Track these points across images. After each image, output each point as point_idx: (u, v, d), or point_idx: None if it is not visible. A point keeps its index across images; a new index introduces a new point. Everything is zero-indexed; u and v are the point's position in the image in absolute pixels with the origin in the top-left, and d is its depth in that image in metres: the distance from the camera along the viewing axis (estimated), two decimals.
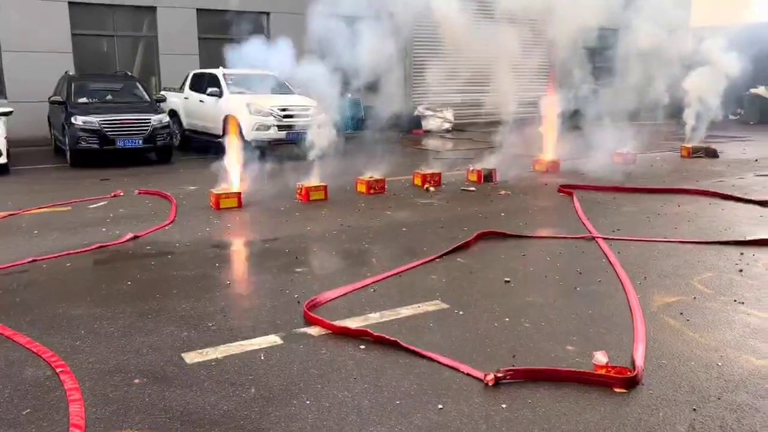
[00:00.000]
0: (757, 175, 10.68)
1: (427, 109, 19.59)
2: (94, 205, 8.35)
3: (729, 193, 8.76)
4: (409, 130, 18.45)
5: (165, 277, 5.33)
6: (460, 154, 13.79)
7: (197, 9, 16.14)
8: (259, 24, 16.06)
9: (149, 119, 11.86)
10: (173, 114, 14.03)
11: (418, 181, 9.80)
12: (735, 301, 4.65)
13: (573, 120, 13.17)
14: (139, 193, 9.13)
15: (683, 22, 21.67)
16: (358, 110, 16.05)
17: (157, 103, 13.02)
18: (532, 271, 5.51)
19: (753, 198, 8.44)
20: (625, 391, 3.28)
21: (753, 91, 22.02)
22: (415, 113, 19.40)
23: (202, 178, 10.02)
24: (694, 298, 4.73)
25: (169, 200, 8.36)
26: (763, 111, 21.93)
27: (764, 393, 3.28)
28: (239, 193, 8.18)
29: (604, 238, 6.39)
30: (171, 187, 9.35)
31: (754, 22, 18.17)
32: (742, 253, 5.86)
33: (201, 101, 13.26)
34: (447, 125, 19.32)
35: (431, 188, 9.53)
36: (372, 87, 10.69)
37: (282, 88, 13.12)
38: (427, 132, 18.89)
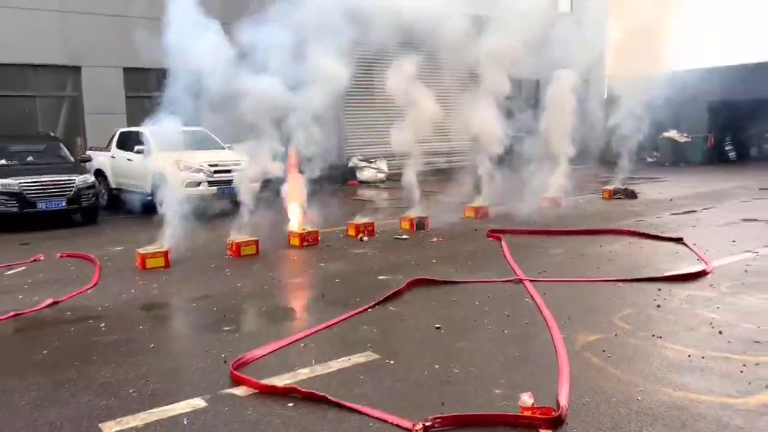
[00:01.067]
0: (673, 214, 11.27)
1: (362, 160, 19.87)
2: (12, 271, 7.97)
3: (647, 232, 9.20)
4: (343, 181, 18.61)
5: (85, 344, 5.10)
6: (394, 203, 13.96)
7: (124, 68, 16.00)
8: (188, 81, 15.97)
9: (73, 180, 11.53)
10: (100, 173, 13.70)
11: (351, 232, 9.84)
12: (653, 336, 4.84)
13: (501, 166, 13.62)
14: (61, 256, 8.77)
15: (600, 72, 23.08)
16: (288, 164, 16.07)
17: (82, 163, 12.69)
18: (462, 316, 5.57)
19: (669, 235, 8.89)
20: (550, 431, 3.33)
21: (665, 134, 23.45)
22: (350, 164, 19.63)
23: (129, 237, 9.75)
24: (615, 334, 4.89)
25: (93, 262, 8.07)
26: (676, 153, 23.33)
27: (680, 425, 3.39)
28: (166, 252, 7.99)
29: (531, 280, 6.56)
30: (96, 249, 9.05)
31: (667, 71, 19.48)
32: (659, 289, 6.12)
33: (128, 159, 13.02)
34: (381, 175, 19.60)
35: (365, 238, 9.58)
36: (305, 140, 10.79)
37: (212, 143, 13.05)
38: (362, 182, 19.10)
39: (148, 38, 9.33)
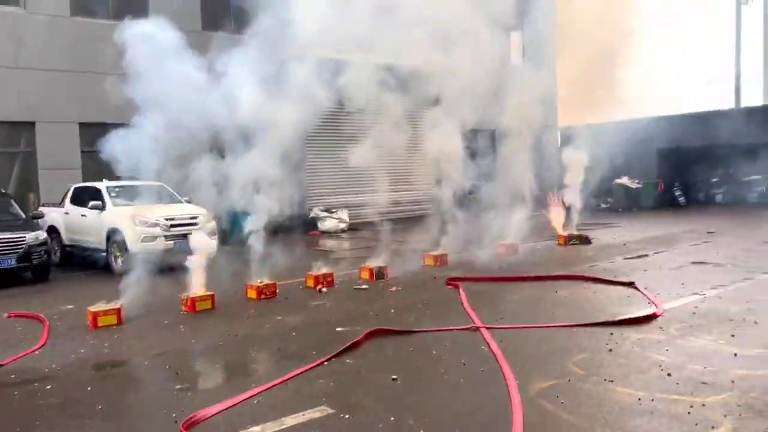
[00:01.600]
0: (626, 258, 11.56)
1: (323, 210, 19.93)
2: None
3: (600, 277, 9.41)
4: (305, 231, 18.58)
5: (29, 408, 4.91)
6: (354, 253, 13.97)
7: (79, 123, 15.88)
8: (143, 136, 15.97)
9: (23, 237, 11.25)
10: (53, 230, 13.40)
11: (310, 283, 9.79)
12: (605, 380, 4.91)
13: (460, 212, 13.84)
14: (8, 316, 8.48)
15: (552, 121, 23.89)
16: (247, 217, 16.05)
17: (34, 220, 12.41)
18: (419, 366, 5.57)
19: (621, 280, 9.10)
20: None
21: (618, 181, 24.22)
22: (311, 215, 19.65)
23: (81, 295, 9.49)
24: (569, 380, 4.94)
25: (42, 322, 7.82)
26: (629, 198, 24.07)
27: None
28: (119, 309, 7.81)
29: (488, 328, 6.61)
30: (46, 308, 8.78)
31: (616, 120, 20.32)
32: (612, 333, 6.24)
33: (83, 215, 12.78)
34: (342, 225, 19.65)
35: (324, 289, 9.54)
36: (266, 189, 10.81)
37: (169, 197, 12.95)
38: (323, 233, 19.09)
39: (106, 93, 9.37)
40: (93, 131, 16.11)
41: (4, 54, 15.06)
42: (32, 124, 15.49)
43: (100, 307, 7.81)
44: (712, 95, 33.59)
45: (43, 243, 11.63)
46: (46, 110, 15.48)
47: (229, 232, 13.12)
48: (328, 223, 19.58)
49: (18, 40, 15.20)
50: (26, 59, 15.28)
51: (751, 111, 25.13)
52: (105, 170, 11.33)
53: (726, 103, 30.82)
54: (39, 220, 12.70)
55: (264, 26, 9.62)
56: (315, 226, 19.36)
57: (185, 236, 11.26)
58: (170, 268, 10.78)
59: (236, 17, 16.30)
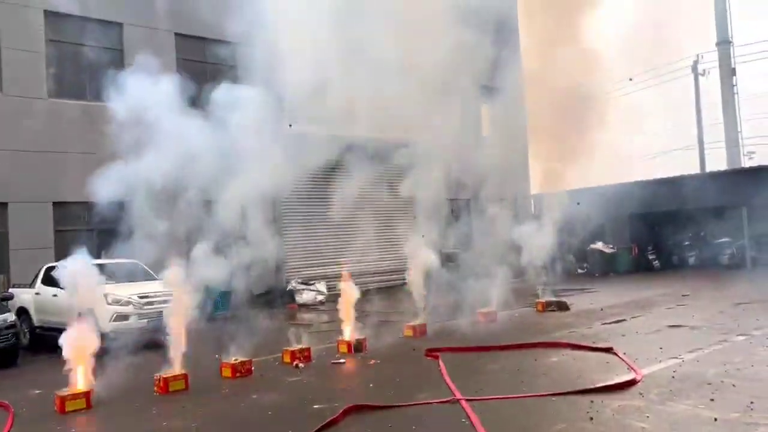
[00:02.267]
0: (604, 323, 11.58)
1: (300, 282, 19.76)
2: None
3: (579, 343, 9.39)
4: (282, 305, 18.36)
5: None
6: (333, 326, 13.79)
7: (53, 202, 15.80)
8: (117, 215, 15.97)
9: None
10: (23, 312, 13.08)
11: (287, 358, 9.60)
12: None
13: (438, 282, 13.85)
14: None
15: (525, 188, 24.41)
16: (226, 293, 15.87)
17: (3, 302, 12.13)
18: None
19: (600, 345, 9.09)
20: None
21: (593, 246, 24.55)
22: (288, 288, 19.46)
23: (50, 379, 9.15)
24: None
25: (6, 409, 7.51)
26: (604, 263, 24.34)
27: None
28: (88, 392, 7.55)
29: (468, 400, 6.51)
30: (13, 392, 8.46)
31: (592, 186, 20.85)
32: (592, 401, 6.18)
33: (54, 295, 12.52)
34: (321, 297, 19.45)
35: (300, 365, 9.35)
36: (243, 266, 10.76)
37: (144, 274, 12.79)
38: (301, 306, 18.87)
39: (79, 173, 9.42)
40: (67, 210, 16.07)
41: None
42: (4, 204, 15.36)
43: (68, 390, 7.55)
44: (678, 161, 34.74)
45: (12, 326, 11.31)
46: (19, 191, 15.38)
47: (207, 308, 12.94)
48: (305, 296, 19.37)
49: None
50: (1, 140, 15.31)
51: (716, 175, 25.96)
52: (78, 249, 11.21)
53: (692, 168, 31.89)
54: (8, 302, 12.42)
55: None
56: (293, 299, 19.14)
57: (160, 314, 11.08)
58: (143, 347, 10.53)
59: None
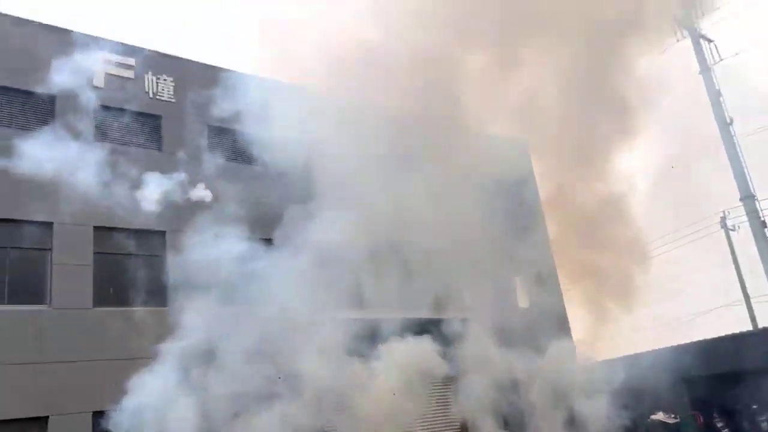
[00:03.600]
0: None
1: None
2: None
3: None
4: None
5: None
6: None
7: (93, 411, 15.66)
8: None
9: None
10: None
11: None
12: None
13: None
14: None
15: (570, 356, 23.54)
16: None
17: None
18: None
19: None
20: None
21: (654, 417, 22.91)
22: None
23: None
24: None
25: None
26: None
27: None
28: None
29: None
30: None
31: (640, 351, 20.09)
32: None
33: None
34: None
35: None
36: None
37: None
38: None
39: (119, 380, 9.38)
40: (105, 420, 15.81)
41: (25, 349, 15.37)
42: (45, 418, 15.24)
43: None
44: (725, 319, 33.49)
45: None
46: (62, 402, 15.35)
47: None
48: None
49: (40, 334, 15.66)
50: (48, 353, 15.57)
51: None
52: None
53: (741, 324, 30.61)
54: None
55: None
56: None
57: None
58: None
59: None
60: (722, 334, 25.59)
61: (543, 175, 21.00)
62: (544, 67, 16.43)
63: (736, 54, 29.01)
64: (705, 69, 28.25)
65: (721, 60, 28.66)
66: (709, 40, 28.81)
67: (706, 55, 28.57)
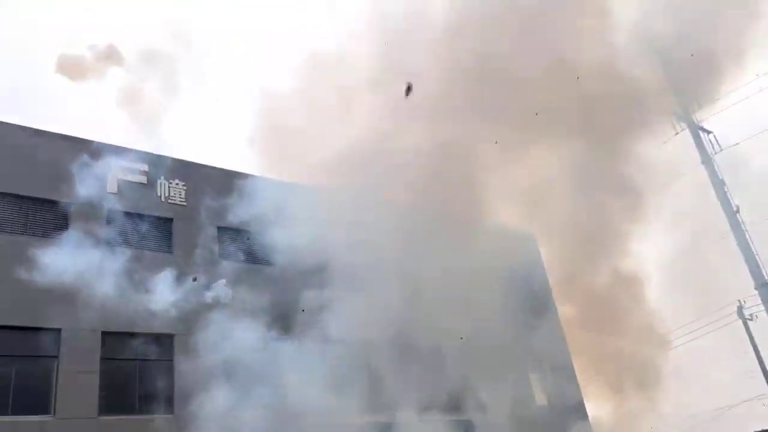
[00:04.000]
0: None
1: None
2: None
3: None
4: None
5: None
6: None
7: None
8: None
9: None
10: None
11: None
12: None
13: None
14: None
15: None
16: None
17: None
18: None
19: None
20: None
21: None
22: None
23: None
24: None
25: None
26: None
27: None
28: None
29: None
30: None
31: None
32: None
33: None
34: None
35: None
36: None
37: None
38: None
39: None
40: None
41: None
42: None
43: None
44: (753, 413, 32.03)
45: None
46: None
47: None
48: None
49: None
50: None
51: None
52: None
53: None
54: None
55: None
56: None
57: None
58: None
59: None
60: (750, 429, 24.23)
61: (553, 263, 20.83)
62: (552, 160, 16.75)
63: (737, 144, 29.23)
64: (706, 159, 28.38)
65: (721, 150, 28.85)
66: (708, 132, 29.08)
67: (706, 146, 28.78)
